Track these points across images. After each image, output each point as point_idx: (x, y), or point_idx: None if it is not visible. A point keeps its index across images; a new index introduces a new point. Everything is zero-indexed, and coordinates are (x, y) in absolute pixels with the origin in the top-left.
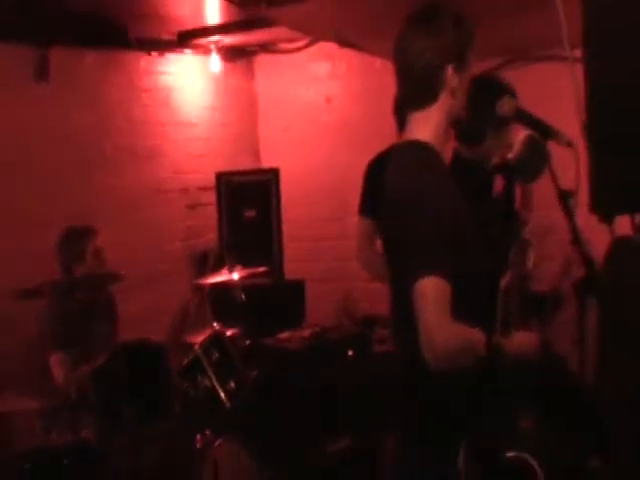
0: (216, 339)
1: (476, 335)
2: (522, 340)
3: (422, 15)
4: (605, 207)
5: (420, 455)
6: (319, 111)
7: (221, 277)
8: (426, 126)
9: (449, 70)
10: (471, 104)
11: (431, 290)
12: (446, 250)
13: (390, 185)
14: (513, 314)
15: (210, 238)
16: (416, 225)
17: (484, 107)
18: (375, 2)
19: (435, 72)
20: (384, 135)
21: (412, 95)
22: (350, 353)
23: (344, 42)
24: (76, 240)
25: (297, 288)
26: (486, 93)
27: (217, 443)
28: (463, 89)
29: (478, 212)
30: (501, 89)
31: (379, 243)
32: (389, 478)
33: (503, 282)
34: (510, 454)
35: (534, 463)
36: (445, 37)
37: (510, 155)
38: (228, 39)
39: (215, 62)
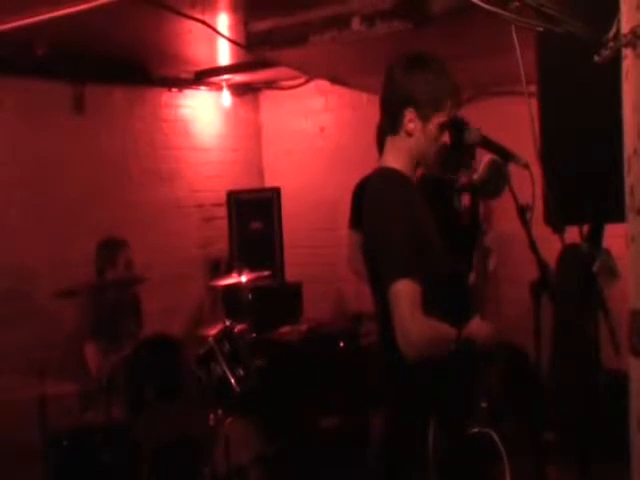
0: (227, 333)
1: (446, 329)
2: (478, 327)
3: (406, 60)
4: (557, 219)
5: (397, 433)
6: (314, 139)
7: (231, 280)
8: (395, 153)
9: (407, 114)
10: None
11: (404, 291)
12: (414, 257)
13: (366, 205)
14: (477, 310)
15: (222, 247)
16: (388, 238)
17: (454, 137)
18: (361, 48)
19: (395, 113)
20: (369, 159)
21: (386, 124)
22: (341, 344)
23: (336, 80)
24: (110, 249)
25: (296, 289)
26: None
27: (228, 421)
28: (427, 133)
29: (446, 223)
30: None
31: None
32: (373, 453)
33: (469, 282)
34: (474, 430)
35: (496, 437)
36: (418, 85)
37: (475, 176)
38: (237, 77)
39: (226, 97)
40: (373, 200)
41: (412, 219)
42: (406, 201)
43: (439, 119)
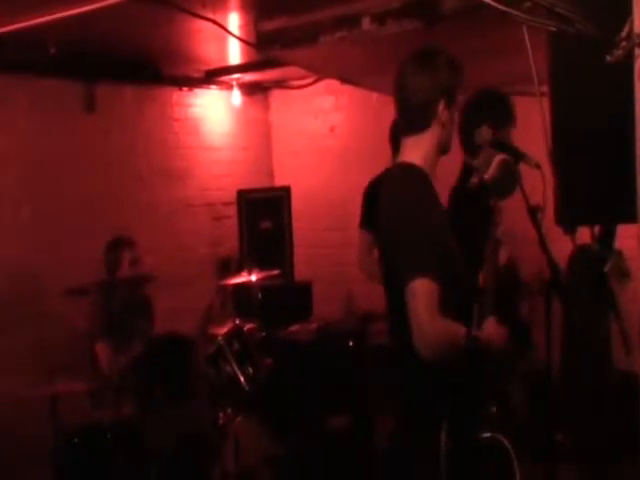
0: (237, 331)
1: (459, 329)
2: (492, 331)
3: (420, 55)
4: (568, 220)
5: (408, 434)
6: (324, 138)
7: (241, 279)
8: (417, 151)
9: (441, 105)
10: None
11: (422, 290)
12: (432, 256)
13: (384, 202)
14: (488, 309)
15: (232, 246)
16: (406, 236)
17: (468, 132)
18: (371, 48)
19: (429, 105)
20: (378, 159)
21: (407, 123)
22: (350, 344)
23: (346, 79)
24: (115, 248)
25: (305, 288)
26: (470, 120)
27: (237, 420)
28: (452, 121)
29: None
30: (481, 118)
31: (377, 251)
32: (383, 453)
33: (480, 281)
34: (486, 435)
35: (506, 443)
36: (439, 75)
37: (486, 176)
38: (247, 77)
39: (236, 96)
40: (393, 195)
41: (432, 216)
42: (427, 198)
43: (457, 106)
